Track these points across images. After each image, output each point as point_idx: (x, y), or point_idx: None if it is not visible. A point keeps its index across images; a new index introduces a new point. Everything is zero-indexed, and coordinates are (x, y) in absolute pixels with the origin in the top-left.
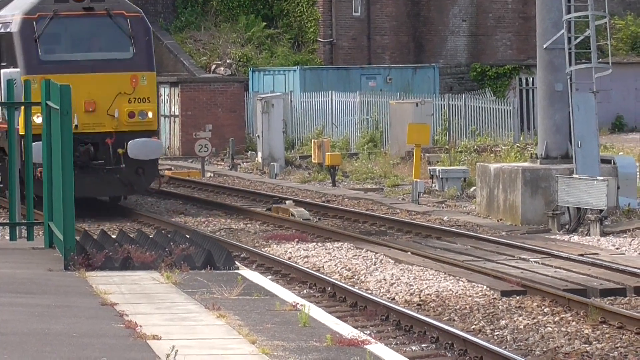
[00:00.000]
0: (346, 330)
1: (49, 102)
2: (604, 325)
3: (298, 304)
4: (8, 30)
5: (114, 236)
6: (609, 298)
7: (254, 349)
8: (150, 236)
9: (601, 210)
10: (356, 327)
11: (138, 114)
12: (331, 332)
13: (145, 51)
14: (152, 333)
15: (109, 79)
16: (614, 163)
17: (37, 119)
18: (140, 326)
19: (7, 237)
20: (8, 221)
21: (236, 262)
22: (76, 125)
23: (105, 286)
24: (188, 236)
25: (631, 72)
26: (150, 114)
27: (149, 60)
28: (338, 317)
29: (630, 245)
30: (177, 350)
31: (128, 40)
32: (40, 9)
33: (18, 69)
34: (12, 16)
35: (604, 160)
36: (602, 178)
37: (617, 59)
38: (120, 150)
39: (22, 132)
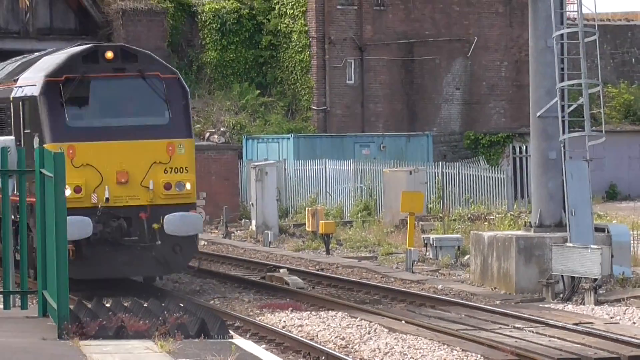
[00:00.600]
0: None
1: (42, 170)
2: None
3: None
4: (32, 93)
5: (108, 304)
6: None
7: None
8: (145, 304)
9: (595, 279)
10: None
11: (175, 186)
12: None
13: (182, 116)
14: None
15: (143, 147)
16: (608, 231)
17: (66, 192)
18: None
19: (1, 306)
20: (2, 290)
21: (230, 331)
22: (107, 199)
23: (99, 355)
24: (182, 305)
25: (624, 140)
26: (188, 186)
27: (187, 126)
28: None
29: (624, 314)
30: None
31: (164, 104)
32: (66, 70)
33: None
34: (37, 78)
35: (598, 229)
36: (596, 246)
37: (611, 127)
38: (155, 226)
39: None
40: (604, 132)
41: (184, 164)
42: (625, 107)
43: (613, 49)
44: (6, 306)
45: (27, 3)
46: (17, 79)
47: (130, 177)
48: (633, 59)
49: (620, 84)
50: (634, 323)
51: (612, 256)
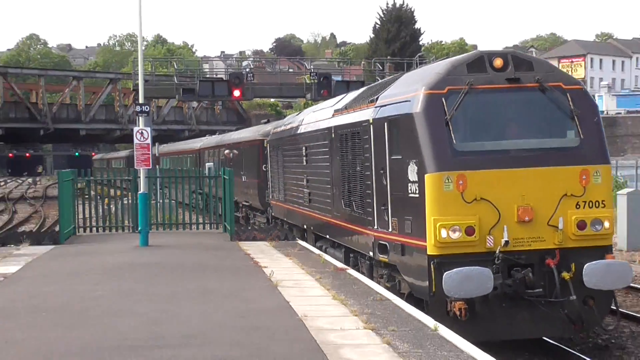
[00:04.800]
0: (341, 265)
1: (224, 176)
2: None
3: (320, 255)
4: (404, 111)
5: (249, 228)
6: None
7: (302, 271)
8: (262, 226)
9: None
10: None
11: (590, 224)
12: (334, 265)
13: (596, 137)
14: (263, 265)
15: (551, 175)
16: None
17: (454, 234)
18: (258, 262)
19: (206, 227)
20: (211, 222)
21: (297, 238)
22: (507, 242)
23: (246, 247)
24: (279, 229)
25: None
26: (606, 224)
27: (602, 149)
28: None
29: None
30: (273, 271)
31: (572, 122)
32: (449, 81)
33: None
34: (410, 93)
35: None
36: None
37: None
38: (565, 275)
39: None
40: None
41: (601, 197)
42: None
43: None
44: (210, 228)
45: (218, 111)
46: (376, 99)
47: (535, 214)
48: None
49: None
50: None
51: None
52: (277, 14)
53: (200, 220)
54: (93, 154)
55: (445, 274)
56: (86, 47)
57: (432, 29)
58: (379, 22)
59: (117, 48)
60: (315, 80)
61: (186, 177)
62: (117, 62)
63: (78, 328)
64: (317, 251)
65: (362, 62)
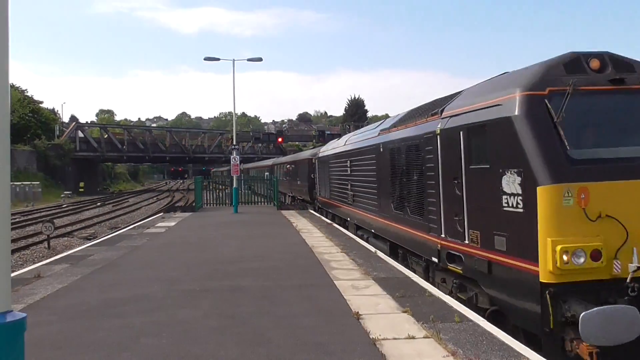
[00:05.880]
0: (329, 221)
1: (274, 179)
2: None
3: (320, 216)
4: (495, 116)
5: (287, 204)
6: None
7: (311, 224)
8: (294, 202)
9: None
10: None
11: None
12: (326, 222)
13: None
14: (292, 221)
15: None
16: None
17: (578, 260)
18: (291, 221)
19: (266, 204)
20: (268, 200)
21: (310, 209)
22: (638, 267)
23: (284, 213)
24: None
25: None
26: None
27: None
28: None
29: None
30: (297, 225)
31: None
32: (549, 82)
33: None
34: (497, 97)
35: None
36: None
37: None
38: None
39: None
40: None
41: None
42: None
43: None
44: (267, 204)
45: (270, 147)
46: (440, 112)
47: None
48: None
49: None
50: None
51: None
52: (299, 101)
53: (263, 199)
54: (211, 168)
55: (583, 315)
56: (208, 117)
57: (372, 108)
58: (347, 105)
59: (223, 118)
60: (317, 134)
61: (254, 179)
62: (223, 125)
63: (202, 252)
64: (317, 214)
65: (340, 125)
